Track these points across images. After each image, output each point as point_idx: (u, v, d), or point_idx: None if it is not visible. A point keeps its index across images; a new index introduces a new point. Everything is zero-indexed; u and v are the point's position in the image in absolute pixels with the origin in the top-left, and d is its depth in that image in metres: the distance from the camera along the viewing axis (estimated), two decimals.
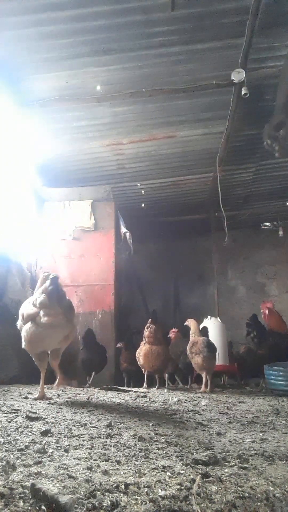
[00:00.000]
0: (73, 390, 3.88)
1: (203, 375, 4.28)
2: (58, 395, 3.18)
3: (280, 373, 4.05)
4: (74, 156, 5.55)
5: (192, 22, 3.57)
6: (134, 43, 3.76)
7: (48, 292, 2.66)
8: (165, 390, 4.17)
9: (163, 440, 1.64)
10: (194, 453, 1.41)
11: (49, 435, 1.63)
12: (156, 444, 1.57)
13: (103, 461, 1.29)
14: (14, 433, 1.63)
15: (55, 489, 0.97)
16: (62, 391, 3.59)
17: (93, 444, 1.52)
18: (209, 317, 5.98)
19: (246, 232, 8.70)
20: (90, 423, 1.94)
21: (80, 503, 0.92)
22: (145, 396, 3.37)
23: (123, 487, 1.03)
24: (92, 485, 1.03)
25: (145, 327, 4.64)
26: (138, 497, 0.98)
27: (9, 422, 1.84)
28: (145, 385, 4.62)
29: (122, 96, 4.38)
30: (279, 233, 8.27)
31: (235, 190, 6.95)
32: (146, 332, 4.56)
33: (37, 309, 2.68)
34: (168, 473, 1.17)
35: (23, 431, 1.67)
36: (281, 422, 2.27)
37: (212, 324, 5.73)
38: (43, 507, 0.90)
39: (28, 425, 1.79)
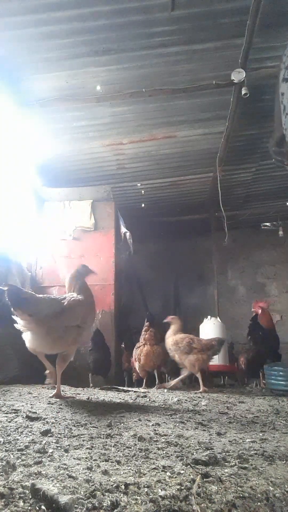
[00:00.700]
0: (73, 390, 3.88)
1: (198, 375, 4.28)
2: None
3: (280, 373, 4.05)
4: (74, 156, 5.55)
5: (192, 22, 3.57)
6: (134, 43, 3.76)
7: (7, 296, 2.59)
8: (165, 390, 4.17)
9: (163, 440, 1.64)
10: (194, 453, 1.41)
11: (49, 435, 1.63)
12: (156, 444, 1.56)
13: (103, 461, 1.29)
14: (14, 433, 1.63)
15: (55, 489, 0.97)
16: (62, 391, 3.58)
17: (93, 444, 1.52)
18: (209, 317, 5.99)
19: (246, 232, 8.70)
20: (90, 423, 1.94)
21: (80, 503, 0.92)
22: (145, 396, 3.37)
23: (123, 487, 1.03)
24: (92, 485, 1.03)
25: (143, 330, 4.69)
26: (138, 497, 0.98)
27: (9, 422, 1.84)
28: (144, 385, 4.64)
29: (122, 96, 4.38)
30: (279, 233, 8.26)
31: (235, 190, 6.95)
32: (146, 335, 4.63)
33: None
34: (168, 473, 1.17)
35: (23, 431, 1.67)
36: (281, 422, 2.27)
37: (212, 324, 5.74)
38: (43, 507, 0.90)
39: (28, 425, 1.79)
